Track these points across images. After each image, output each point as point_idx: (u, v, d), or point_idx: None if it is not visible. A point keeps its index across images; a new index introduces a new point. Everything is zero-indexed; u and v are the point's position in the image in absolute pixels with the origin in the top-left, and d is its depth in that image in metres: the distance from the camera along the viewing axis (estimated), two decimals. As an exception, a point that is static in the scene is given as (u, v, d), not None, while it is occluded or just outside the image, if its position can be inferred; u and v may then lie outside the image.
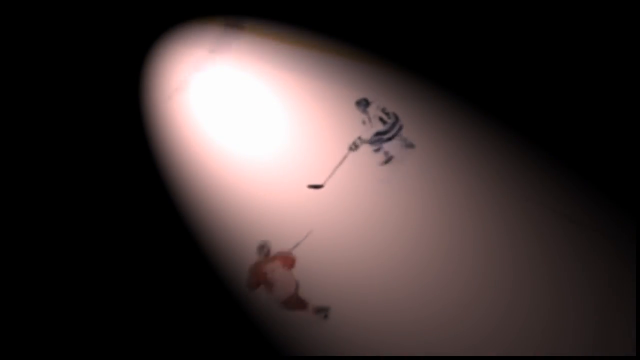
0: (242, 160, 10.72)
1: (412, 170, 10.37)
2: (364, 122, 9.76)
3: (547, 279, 9.27)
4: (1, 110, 10.75)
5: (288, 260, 8.48)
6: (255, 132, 11.31)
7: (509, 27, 12.88)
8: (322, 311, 8.52)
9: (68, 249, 9.12)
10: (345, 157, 9.60)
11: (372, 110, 9.78)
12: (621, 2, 13.07)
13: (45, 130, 10.61)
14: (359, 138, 9.66)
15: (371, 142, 9.67)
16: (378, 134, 9.71)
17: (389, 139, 9.73)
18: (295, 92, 11.99)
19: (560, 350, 8.45)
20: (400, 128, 9.71)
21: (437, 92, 11.57)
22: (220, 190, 10.19)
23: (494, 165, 11.04)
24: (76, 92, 11.31)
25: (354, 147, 9.65)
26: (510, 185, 10.66)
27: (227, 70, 12.29)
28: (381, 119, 9.70)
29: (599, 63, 12.86)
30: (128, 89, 11.52)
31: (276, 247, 8.72)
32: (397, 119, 9.73)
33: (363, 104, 9.79)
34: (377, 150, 9.74)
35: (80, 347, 8.37)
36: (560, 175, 10.92)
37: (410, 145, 9.82)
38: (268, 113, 11.62)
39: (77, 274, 8.88)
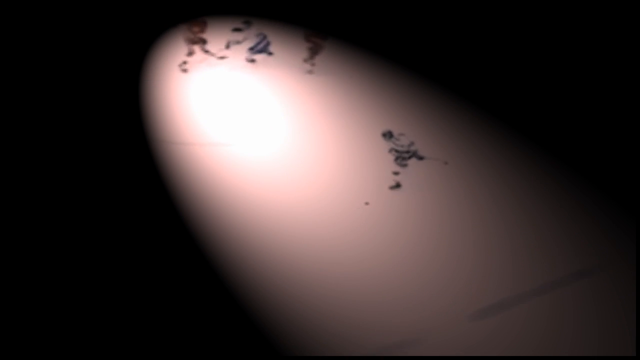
0: (242, 158, 10.76)
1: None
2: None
3: (547, 279, 9.28)
4: (0, 110, 10.77)
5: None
6: (253, 128, 11.34)
7: (510, 27, 12.89)
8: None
9: (68, 244, 9.14)
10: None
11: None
12: (621, 2, 13.11)
13: (44, 130, 10.62)
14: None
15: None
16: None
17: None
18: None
19: (560, 350, 8.46)
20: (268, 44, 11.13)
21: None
22: (221, 188, 10.21)
23: (493, 164, 11.08)
24: (76, 91, 11.33)
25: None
26: (507, 182, 10.70)
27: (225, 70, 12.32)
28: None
29: (599, 63, 12.89)
30: (128, 89, 11.53)
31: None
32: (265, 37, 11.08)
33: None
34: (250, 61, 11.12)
35: (79, 344, 8.39)
36: (560, 175, 10.94)
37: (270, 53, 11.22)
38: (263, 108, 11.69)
39: (75, 269, 8.91)
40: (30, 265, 8.97)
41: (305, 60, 11.98)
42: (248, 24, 11.74)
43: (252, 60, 12.01)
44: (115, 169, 10.26)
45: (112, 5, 12.83)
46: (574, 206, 10.46)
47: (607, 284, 9.23)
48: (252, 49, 11.71)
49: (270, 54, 12.00)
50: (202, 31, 11.80)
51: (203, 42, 11.76)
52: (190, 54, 11.97)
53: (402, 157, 10.21)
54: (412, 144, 10.06)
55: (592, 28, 12.89)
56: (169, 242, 9.34)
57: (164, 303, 8.69)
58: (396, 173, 10.12)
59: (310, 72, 11.92)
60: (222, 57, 11.77)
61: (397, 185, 10.15)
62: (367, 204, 10.05)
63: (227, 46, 11.59)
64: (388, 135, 10.12)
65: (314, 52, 11.96)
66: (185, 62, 12.02)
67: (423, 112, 11.93)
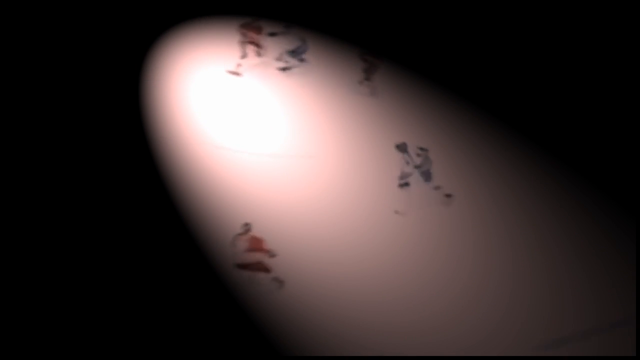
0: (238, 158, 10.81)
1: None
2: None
3: (548, 279, 9.27)
4: (2, 110, 10.76)
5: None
6: (254, 130, 11.37)
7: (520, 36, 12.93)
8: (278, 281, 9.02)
9: (69, 241, 9.15)
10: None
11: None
12: (621, 3, 13.09)
13: (46, 129, 10.62)
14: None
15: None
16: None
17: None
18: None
19: (561, 350, 8.45)
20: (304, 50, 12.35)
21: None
22: (220, 187, 10.22)
23: (493, 164, 11.07)
24: (77, 91, 11.32)
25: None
26: (508, 182, 10.70)
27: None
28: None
29: (599, 63, 12.87)
30: (128, 89, 11.53)
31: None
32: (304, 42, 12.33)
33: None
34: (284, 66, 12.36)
35: (77, 339, 8.39)
36: (560, 175, 10.93)
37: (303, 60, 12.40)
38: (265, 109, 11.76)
39: (75, 265, 8.92)
40: (31, 259, 8.96)
41: (361, 82, 11.94)
42: (288, 28, 12.28)
43: (285, 69, 12.39)
44: (116, 166, 10.26)
45: (123, 4, 12.84)
46: (574, 206, 10.46)
47: (607, 283, 9.22)
48: (293, 53, 12.27)
49: (302, 60, 12.34)
50: (258, 35, 12.26)
51: (257, 45, 12.30)
52: (243, 56, 12.37)
53: (405, 172, 10.23)
54: (425, 162, 10.05)
55: (592, 28, 12.88)
56: (169, 241, 9.32)
57: (163, 302, 8.68)
58: (437, 187, 10.17)
59: (372, 94, 11.91)
60: (285, 68, 12.30)
61: (449, 196, 10.20)
62: (396, 212, 10.12)
63: (281, 57, 12.25)
64: (402, 147, 10.12)
65: (370, 72, 11.92)
66: (238, 65, 12.29)
67: (427, 113, 11.95)
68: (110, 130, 10.73)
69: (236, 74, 12.20)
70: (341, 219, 9.95)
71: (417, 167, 10.08)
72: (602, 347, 8.49)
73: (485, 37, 13.10)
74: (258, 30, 12.22)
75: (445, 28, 13.27)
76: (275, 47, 12.32)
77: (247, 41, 12.17)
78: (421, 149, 10.12)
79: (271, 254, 8.90)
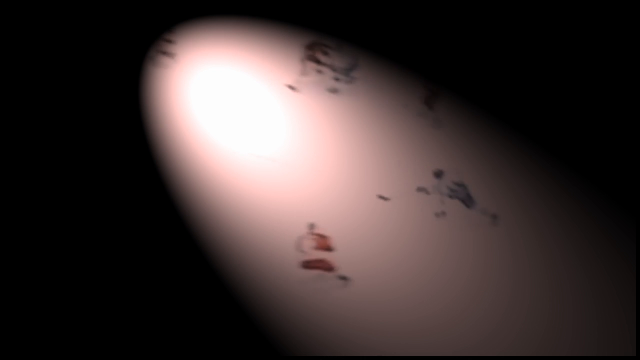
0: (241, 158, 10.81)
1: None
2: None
3: (548, 280, 9.27)
4: (2, 110, 10.76)
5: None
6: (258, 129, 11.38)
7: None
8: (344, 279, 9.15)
9: (69, 242, 9.16)
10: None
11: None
12: (621, 3, 13.09)
13: (45, 129, 10.62)
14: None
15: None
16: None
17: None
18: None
19: (561, 350, 8.45)
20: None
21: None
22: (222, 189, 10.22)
23: (493, 164, 11.07)
24: (77, 91, 11.32)
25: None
26: (508, 182, 10.70)
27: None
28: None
29: (599, 64, 12.87)
30: (128, 89, 11.53)
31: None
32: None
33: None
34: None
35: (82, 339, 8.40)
36: (560, 175, 10.94)
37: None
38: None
39: (75, 266, 8.93)
40: (31, 260, 8.98)
41: (422, 113, 11.83)
42: (340, 46, 12.38)
43: (335, 89, 12.38)
44: (116, 167, 10.27)
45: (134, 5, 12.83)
46: (574, 206, 10.47)
47: (607, 283, 9.23)
48: (347, 70, 12.37)
49: (352, 79, 12.37)
50: (321, 54, 12.39)
51: (318, 62, 12.39)
52: (304, 74, 12.42)
53: (427, 190, 10.25)
54: (457, 191, 10.06)
55: (592, 28, 12.87)
56: (169, 241, 9.34)
57: (163, 303, 8.69)
58: (483, 210, 10.17)
59: (435, 126, 11.74)
60: (335, 89, 12.29)
61: (495, 217, 10.14)
62: (380, 197, 10.13)
63: (337, 78, 12.33)
64: (439, 174, 10.10)
65: (431, 100, 11.80)
66: (297, 81, 12.29)
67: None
68: (111, 131, 10.74)
69: (293, 88, 12.24)
70: (341, 219, 9.96)
71: (443, 194, 10.13)
72: (602, 347, 8.51)
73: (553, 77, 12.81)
74: (322, 49, 12.37)
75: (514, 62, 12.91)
76: (335, 66, 12.42)
77: (309, 59, 12.31)
78: (457, 184, 10.12)
79: (329, 249, 9.09)
